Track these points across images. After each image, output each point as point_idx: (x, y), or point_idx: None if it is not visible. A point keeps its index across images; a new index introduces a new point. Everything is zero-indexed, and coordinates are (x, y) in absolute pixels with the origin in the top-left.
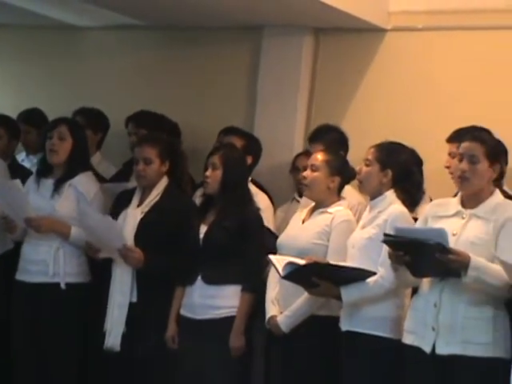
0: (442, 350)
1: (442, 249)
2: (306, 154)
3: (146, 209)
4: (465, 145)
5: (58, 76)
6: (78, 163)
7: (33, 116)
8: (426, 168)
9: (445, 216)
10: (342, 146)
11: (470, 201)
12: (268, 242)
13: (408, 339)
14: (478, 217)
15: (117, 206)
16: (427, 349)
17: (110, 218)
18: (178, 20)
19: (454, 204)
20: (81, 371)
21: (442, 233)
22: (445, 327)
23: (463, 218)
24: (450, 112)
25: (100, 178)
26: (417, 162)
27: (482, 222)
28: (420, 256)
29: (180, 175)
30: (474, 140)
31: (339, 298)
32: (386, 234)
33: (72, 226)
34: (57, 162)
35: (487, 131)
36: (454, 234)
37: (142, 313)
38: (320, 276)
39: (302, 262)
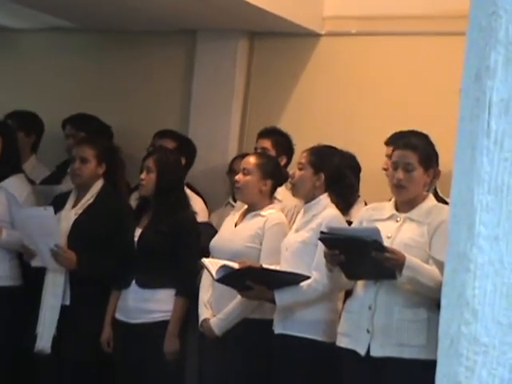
0: (376, 353)
1: (379, 246)
2: (243, 156)
3: (80, 210)
4: (398, 153)
5: None
6: (8, 165)
7: None
8: (362, 171)
9: (379, 219)
10: (287, 150)
11: (405, 205)
12: (209, 235)
13: (342, 342)
14: (412, 220)
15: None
16: (362, 351)
17: (46, 210)
18: (112, 23)
19: (389, 208)
20: (12, 374)
21: (375, 231)
22: (379, 329)
23: (397, 221)
24: (385, 116)
25: (31, 182)
26: (350, 165)
27: (416, 225)
28: (355, 255)
29: (116, 179)
30: (406, 148)
31: (273, 301)
32: (322, 232)
33: (3, 229)
34: None
35: (425, 135)
36: (388, 237)
37: (75, 316)
38: (254, 280)
39: (235, 265)
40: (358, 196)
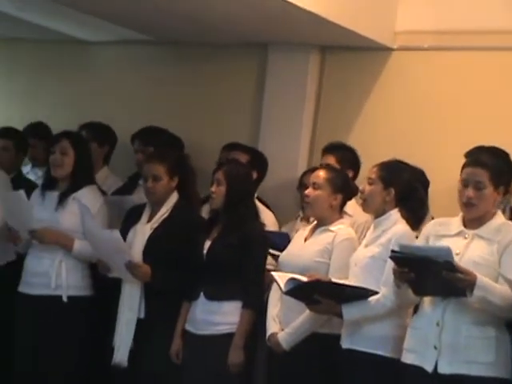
0: (444, 370)
1: (450, 267)
2: (314, 170)
3: (155, 225)
4: (468, 170)
5: (66, 90)
6: (81, 177)
7: (38, 130)
8: (431, 188)
9: (447, 235)
10: (353, 165)
11: (473, 221)
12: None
13: (408, 358)
14: (481, 237)
15: (127, 222)
16: (429, 368)
17: (113, 233)
18: (185, 36)
19: (456, 224)
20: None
21: (447, 252)
22: (447, 346)
23: (466, 238)
24: (456, 131)
25: (103, 193)
26: (420, 179)
27: (485, 243)
28: (425, 274)
29: (189, 190)
30: (476, 165)
31: (340, 315)
32: (393, 251)
33: (76, 239)
34: (60, 176)
35: (503, 153)
36: (456, 254)
37: (149, 329)
38: (322, 293)
39: (304, 278)
40: (427, 210)
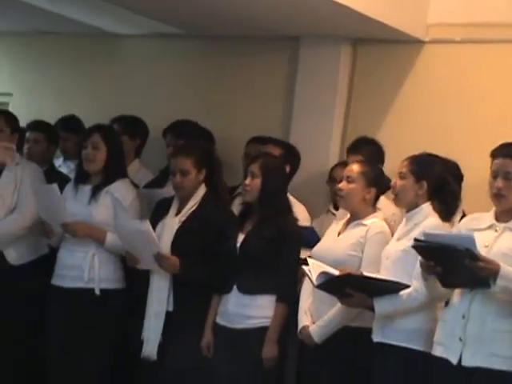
0: (468, 362)
1: (472, 255)
2: (343, 164)
3: (184, 218)
4: (498, 162)
5: (97, 83)
6: (114, 170)
7: (70, 123)
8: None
9: (478, 229)
10: (379, 158)
11: (505, 214)
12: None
13: (437, 351)
14: None
15: (155, 215)
16: (454, 360)
17: (142, 223)
18: (215, 29)
19: (488, 218)
20: (115, 378)
21: (470, 239)
22: (472, 338)
23: (496, 231)
24: (489, 125)
25: (135, 186)
26: (453, 173)
27: None
28: (449, 263)
29: (217, 182)
30: (506, 156)
31: (372, 309)
32: (416, 239)
33: (108, 232)
34: (93, 170)
35: None
36: (486, 246)
37: (179, 322)
38: (353, 287)
39: (336, 272)
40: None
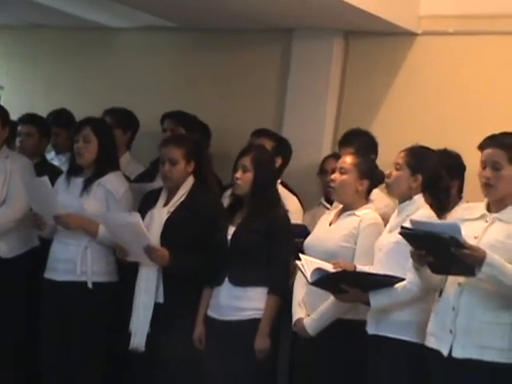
0: (457, 354)
1: (457, 243)
2: (335, 156)
3: (172, 208)
4: (486, 152)
5: (90, 76)
6: (106, 163)
7: (61, 117)
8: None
9: (470, 219)
10: (371, 150)
11: (496, 205)
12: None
13: (430, 342)
14: (501, 220)
15: (143, 206)
16: (445, 351)
17: (132, 215)
18: (208, 22)
19: (480, 208)
20: (104, 371)
21: (455, 227)
22: (461, 330)
23: (486, 222)
24: (482, 116)
25: (128, 179)
26: (456, 163)
27: (504, 226)
28: (437, 251)
29: (206, 175)
30: (495, 146)
31: (367, 303)
32: (403, 227)
33: (100, 225)
34: (85, 163)
35: None
36: (475, 237)
37: (169, 313)
38: (348, 283)
39: (330, 268)
40: (461, 197)
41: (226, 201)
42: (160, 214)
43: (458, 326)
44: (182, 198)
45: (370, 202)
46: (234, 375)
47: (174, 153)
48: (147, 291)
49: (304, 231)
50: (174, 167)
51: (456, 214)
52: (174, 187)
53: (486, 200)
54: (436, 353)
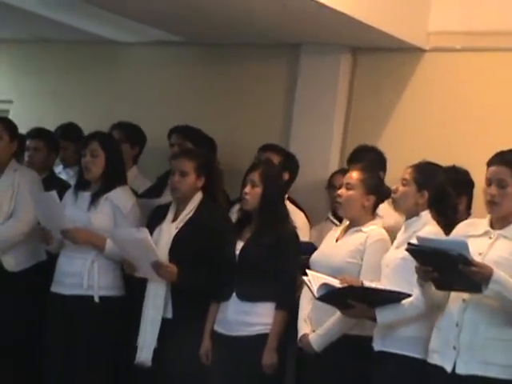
0: (461, 370)
1: (465, 260)
2: (343, 171)
3: (181, 224)
4: (492, 169)
5: (97, 90)
6: (114, 177)
7: (69, 131)
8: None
9: (473, 235)
10: (380, 166)
11: (499, 221)
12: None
13: (432, 359)
14: (506, 237)
15: (151, 222)
16: (448, 368)
17: (140, 231)
18: (215, 36)
19: (483, 224)
20: None
21: (463, 244)
22: (465, 347)
23: (490, 238)
24: (490, 132)
25: (135, 193)
26: (464, 180)
27: (508, 243)
28: (444, 267)
29: (215, 192)
30: (500, 164)
31: (373, 319)
32: (409, 244)
33: (108, 239)
34: (92, 178)
35: None
36: (480, 254)
37: (177, 329)
38: (355, 298)
39: (337, 283)
40: (469, 214)
41: (233, 216)
42: (168, 229)
43: (461, 342)
44: (191, 214)
45: (378, 218)
46: None
47: (186, 165)
48: (155, 307)
49: (311, 248)
50: (184, 179)
51: (459, 231)
52: (182, 201)
53: (488, 216)
54: (439, 369)
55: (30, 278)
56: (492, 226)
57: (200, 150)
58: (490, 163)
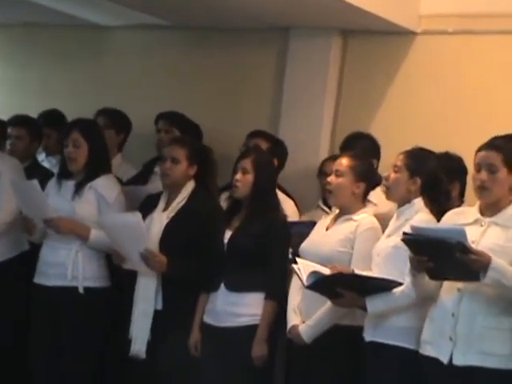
0: (459, 361)
1: (463, 248)
2: (334, 158)
3: (172, 213)
4: (481, 154)
5: (81, 76)
6: (97, 165)
7: (52, 118)
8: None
9: (464, 224)
10: (373, 153)
11: (489, 209)
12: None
13: (425, 350)
14: (497, 224)
15: (142, 211)
16: (444, 359)
17: (134, 215)
18: (204, 21)
19: (473, 212)
20: (101, 377)
21: (460, 232)
22: (462, 337)
23: (482, 226)
24: (482, 116)
25: (120, 181)
26: (457, 167)
27: (501, 230)
28: (439, 256)
29: (208, 181)
30: (490, 149)
31: (364, 308)
32: (405, 233)
33: (92, 229)
34: (75, 170)
35: None
36: (472, 242)
37: (168, 320)
38: (345, 286)
39: (326, 271)
40: (462, 201)
41: (222, 204)
42: (160, 218)
43: (458, 333)
44: (183, 203)
45: (369, 205)
46: (231, 381)
47: (178, 152)
48: (146, 299)
49: (311, 226)
50: (175, 166)
51: (447, 219)
52: (173, 190)
53: (478, 204)
54: (434, 361)
55: (14, 269)
56: (482, 213)
57: (192, 139)
58: (479, 149)
